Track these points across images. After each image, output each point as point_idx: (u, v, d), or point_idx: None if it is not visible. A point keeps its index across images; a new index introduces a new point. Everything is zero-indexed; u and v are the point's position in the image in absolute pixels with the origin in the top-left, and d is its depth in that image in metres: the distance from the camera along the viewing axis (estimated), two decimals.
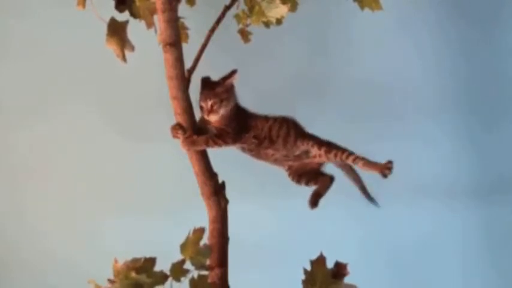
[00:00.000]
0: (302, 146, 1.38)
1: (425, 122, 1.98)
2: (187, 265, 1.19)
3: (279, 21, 1.34)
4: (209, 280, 1.26)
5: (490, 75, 1.98)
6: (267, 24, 1.34)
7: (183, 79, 1.28)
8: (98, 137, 1.95)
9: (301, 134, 1.38)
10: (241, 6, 1.38)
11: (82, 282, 1.23)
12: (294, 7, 1.38)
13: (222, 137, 1.32)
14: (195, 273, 1.19)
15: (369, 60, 1.96)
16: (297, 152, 1.39)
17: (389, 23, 1.92)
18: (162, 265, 1.17)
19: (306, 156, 1.39)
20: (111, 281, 1.15)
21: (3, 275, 1.98)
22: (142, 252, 1.18)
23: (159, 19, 1.25)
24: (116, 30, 1.27)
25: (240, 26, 1.41)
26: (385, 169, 1.32)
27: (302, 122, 1.40)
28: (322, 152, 1.36)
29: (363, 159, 1.34)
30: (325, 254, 1.23)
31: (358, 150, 1.35)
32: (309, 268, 1.22)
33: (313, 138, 1.38)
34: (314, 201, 1.40)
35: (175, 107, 1.30)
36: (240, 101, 1.37)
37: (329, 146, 1.36)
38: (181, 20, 1.45)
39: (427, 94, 1.98)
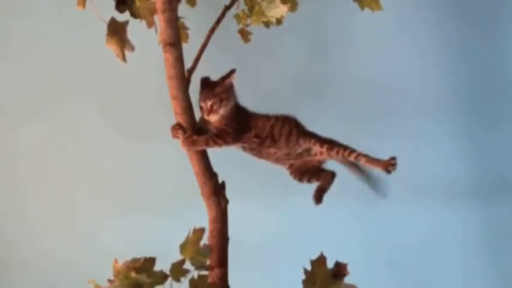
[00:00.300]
0: (304, 144, 1.38)
1: (425, 122, 1.98)
2: (187, 265, 1.19)
3: (279, 21, 1.33)
4: (209, 280, 1.25)
5: (490, 75, 1.98)
6: (267, 24, 1.34)
7: (183, 79, 1.28)
8: (98, 137, 1.95)
9: (303, 132, 1.38)
10: (241, 6, 1.38)
11: (82, 282, 1.23)
12: (294, 7, 1.38)
13: (222, 137, 1.32)
14: (195, 273, 1.19)
15: (369, 60, 1.96)
16: (299, 150, 1.39)
17: (389, 23, 1.92)
18: (162, 265, 1.17)
19: (307, 154, 1.39)
20: (111, 281, 1.15)
21: (3, 275, 1.98)
22: (142, 252, 1.18)
23: (159, 19, 1.25)
24: (116, 31, 1.27)
25: (240, 26, 1.41)
26: (388, 165, 1.32)
27: (302, 122, 1.40)
28: (324, 149, 1.36)
29: (365, 156, 1.34)
30: (325, 254, 1.23)
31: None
32: (309, 268, 1.22)
33: (315, 136, 1.38)
34: (318, 197, 1.41)
35: (175, 107, 1.30)
36: (240, 101, 1.37)
37: (331, 144, 1.36)
38: (181, 20, 1.45)
39: (427, 94, 1.98)
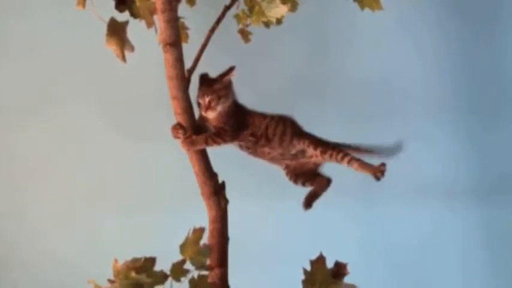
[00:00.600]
0: (298, 145, 1.38)
1: (425, 122, 1.98)
2: (187, 265, 1.19)
3: (279, 21, 1.33)
4: (209, 280, 1.25)
5: (490, 75, 1.98)
6: (267, 24, 1.34)
7: (183, 79, 1.28)
8: (98, 137, 1.95)
9: (298, 133, 1.38)
10: (241, 6, 1.38)
11: (82, 282, 1.23)
12: (294, 7, 1.38)
13: (220, 135, 1.32)
14: (195, 273, 1.19)
15: (369, 60, 1.96)
16: (293, 151, 1.38)
17: (389, 23, 1.92)
18: (162, 265, 1.17)
19: (302, 156, 1.39)
20: (111, 281, 1.15)
21: (3, 275, 1.98)
22: (142, 252, 1.18)
23: (159, 19, 1.25)
24: (116, 31, 1.27)
25: (240, 26, 1.41)
26: (378, 172, 1.31)
27: (302, 121, 1.40)
28: (318, 152, 1.36)
29: (357, 160, 1.33)
30: (325, 254, 1.23)
31: None
32: (308, 268, 1.22)
33: (310, 137, 1.37)
34: (308, 203, 1.40)
35: (175, 107, 1.30)
36: (241, 101, 1.37)
37: (325, 147, 1.35)
38: (181, 20, 1.45)
39: (427, 94, 1.98)
